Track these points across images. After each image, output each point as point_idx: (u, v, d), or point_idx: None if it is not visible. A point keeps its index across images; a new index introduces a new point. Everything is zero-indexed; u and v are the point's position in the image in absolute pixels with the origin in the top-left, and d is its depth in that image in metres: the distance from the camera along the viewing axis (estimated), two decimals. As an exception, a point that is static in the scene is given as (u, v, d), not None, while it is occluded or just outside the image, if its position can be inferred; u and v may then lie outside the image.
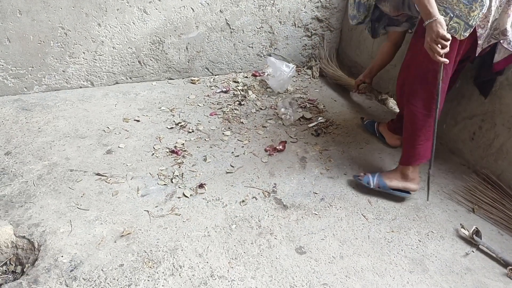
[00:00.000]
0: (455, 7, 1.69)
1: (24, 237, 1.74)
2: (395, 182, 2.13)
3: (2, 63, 2.63)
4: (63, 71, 2.83)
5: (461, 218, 2.07)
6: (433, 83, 1.84)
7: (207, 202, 2.04)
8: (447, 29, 1.67)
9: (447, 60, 1.70)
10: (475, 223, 2.01)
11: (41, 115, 2.60)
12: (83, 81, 2.95)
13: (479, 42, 1.81)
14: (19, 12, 2.51)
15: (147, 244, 1.77)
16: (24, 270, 1.64)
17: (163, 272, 1.66)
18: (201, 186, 2.13)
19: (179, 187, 2.11)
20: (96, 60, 2.89)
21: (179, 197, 2.05)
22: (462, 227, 1.96)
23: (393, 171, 2.18)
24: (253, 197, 2.11)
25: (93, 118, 2.62)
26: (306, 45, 3.55)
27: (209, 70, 3.33)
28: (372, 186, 2.15)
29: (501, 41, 1.82)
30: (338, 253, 1.82)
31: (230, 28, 3.19)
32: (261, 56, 3.44)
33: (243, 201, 2.07)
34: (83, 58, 2.85)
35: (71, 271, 1.61)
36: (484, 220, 2.07)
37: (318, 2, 3.34)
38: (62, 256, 1.66)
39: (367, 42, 3.25)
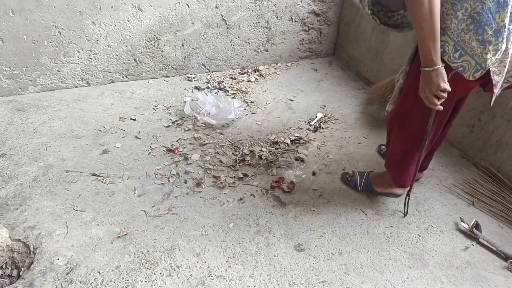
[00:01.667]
0: (466, 44, 1.41)
1: (19, 240, 1.72)
2: (381, 189, 2.08)
3: (-4, 64, 2.62)
4: (58, 70, 2.81)
5: (461, 212, 2.05)
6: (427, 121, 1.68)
7: (205, 201, 2.02)
8: (455, 65, 1.45)
9: (442, 108, 1.53)
10: (475, 217, 2.00)
11: (36, 115, 2.58)
12: (79, 81, 2.93)
13: (495, 90, 1.49)
14: (11, 11, 2.48)
15: (144, 244, 1.76)
16: (20, 273, 1.63)
17: (160, 273, 1.64)
18: (198, 184, 2.12)
19: (176, 186, 2.10)
20: (91, 59, 2.87)
21: (176, 196, 2.04)
22: (461, 221, 1.94)
23: (381, 176, 2.10)
24: (251, 194, 2.09)
25: (89, 118, 2.60)
26: (303, 39, 3.52)
27: (205, 67, 3.30)
28: (359, 189, 2.14)
29: None
30: (337, 250, 1.81)
31: (226, 24, 3.16)
32: (258, 52, 3.41)
33: (241, 199, 2.06)
34: (78, 57, 2.82)
35: (67, 274, 1.60)
36: (484, 213, 2.06)
37: (314, -5, 3.31)
38: (58, 259, 1.65)
39: (365, 36, 3.22)
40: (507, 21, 1.32)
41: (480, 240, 1.87)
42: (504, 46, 1.36)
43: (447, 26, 1.44)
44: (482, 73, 1.43)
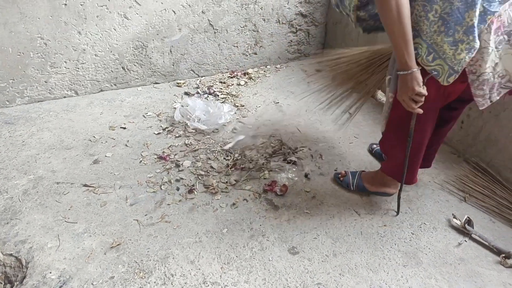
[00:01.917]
0: (439, 47, 1.43)
1: (11, 254, 1.71)
2: (374, 188, 2.10)
3: (-18, 77, 2.59)
4: (45, 81, 2.79)
5: (453, 208, 2.06)
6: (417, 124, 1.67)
7: (197, 207, 2.02)
8: (429, 68, 1.47)
9: (421, 111, 1.53)
10: (467, 212, 2.01)
11: (24, 128, 2.56)
12: (67, 91, 2.91)
13: (473, 90, 1.49)
14: (-4, 24, 2.47)
15: (138, 254, 1.75)
16: (13, 288, 1.62)
17: (154, 282, 1.63)
18: (190, 191, 2.11)
19: (169, 194, 2.09)
20: (78, 68, 2.86)
21: (168, 204, 2.03)
22: (454, 217, 1.95)
23: (373, 176, 2.10)
24: (244, 199, 2.09)
25: (78, 128, 2.58)
26: (291, 41, 3.53)
27: (194, 72, 3.30)
28: (352, 189, 2.14)
29: None
30: (331, 251, 1.81)
31: (213, 28, 3.16)
32: (247, 55, 3.41)
33: (233, 204, 2.05)
34: (65, 67, 2.81)
35: (60, 287, 1.58)
36: (475, 209, 2.07)
37: (300, -3, 3.32)
38: (50, 272, 1.63)
39: (353, 35, 3.23)
40: (475, 20, 1.34)
41: (473, 235, 1.89)
42: (477, 45, 1.36)
43: (420, 28, 1.45)
44: (456, 77, 1.43)
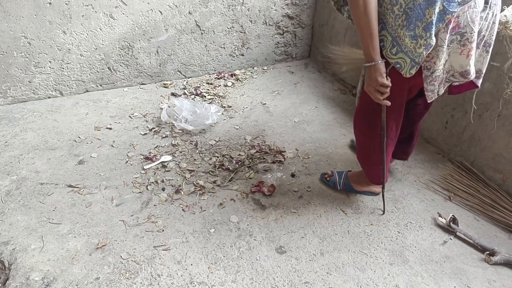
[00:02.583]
0: (401, 40, 1.49)
1: (-7, 256, 1.67)
2: (360, 186, 2.12)
3: (-36, 77, 2.54)
4: (29, 81, 2.75)
5: (438, 207, 2.08)
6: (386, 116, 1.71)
7: (184, 208, 2.00)
8: (392, 61, 1.52)
9: (388, 102, 1.59)
10: (451, 211, 2.03)
11: (7, 128, 2.51)
12: (51, 91, 2.87)
13: (425, 85, 1.60)
14: (-22, 23, 2.43)
15: (124, 254, 1.73)
16: (-5, 291, 1.58)
17: (141, 283, 1.62)
18: (177, 191, 2.10)
19: (155, 194, 2.07)
20: (63, 68, 2.82)
21: (155, 205, 2.01)
22: (439, 216, 1.98)
23: (359, 175, 2.12)
24: (231, 199, 2.08)
25: (63, 129, 2.54)
26: (278, 43, 3.54)
27: (181, 73, 3.28)
28: (339, 188, 2.16)
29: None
30: (319, 250, 1.81)
31: (200, 29, 3.15)
32: (234, 56, 3.41)
33: (221, 204, 2.04)
34: (50, 67, 2.77)
35: (44, 288, 1.56)
36: (460, 207, 2.10)
37: (287, -1, 3.34)
38: (34, 274, 1.60)
39: (339, 37, 3.26)
40: (434, 18, 1.40)
41: (458, 233, 1.91)
42: (433, 42, 1.43)
43: (387, 21, 1.52)
44: (417, 68, 1.50)
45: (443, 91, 1.64)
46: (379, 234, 1.91)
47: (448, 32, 1.45)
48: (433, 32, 1.42)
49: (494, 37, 1.57)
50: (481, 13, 1.45)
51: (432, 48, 1.45)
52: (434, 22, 1.41)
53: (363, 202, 2.10)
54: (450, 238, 1.90)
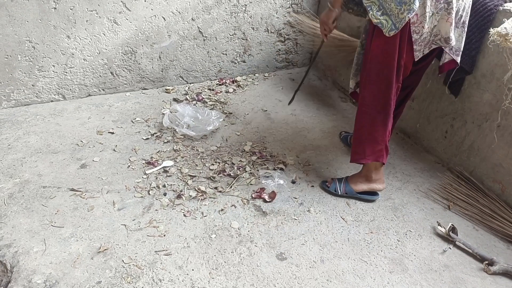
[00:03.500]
0: (387, 5, 1.72)
1: (-5, 259, 1.68)
2: (360, 186, 2.16)
3: (-32, 80, 2.56)
4: (32, 85, 2.77)
5: (438, 216, 2.10)
6: (387, 79, 1.87)
7: (186, 213, 2.01)
8: (376, 21, 1.75)
9: (326, 39, 2.17)
10: (451, 220, 2.05)
11: (10, 131, 2.52)
12: (54, 95, 2.88)
13: (415, 47, 1.81)
14: (-17, 26, 2.44)
15: (125, 258, 1.74)
16: (-3, 293, 1.59)
17: (142, 287, 1.62)
18: (179, 196, 2.11)
19: (157, 199, 2.08)
20: (67, 72, 2.84)
21: (156, 209, 2.02)
22: (438, 225, 1.99)
23: (357, 175, 2.18)
24: (232, 205, 2.09)
25: (65, 132, 2.56)
26: (280, 50, 3.57)
27: (183, 79, 3.31)
28: (340, 193, 2.18)
29: (445, 47, 1.87)
30: (319, 257, 1.83)
31: (203, 36, 3.18)
32: (235, 63, 3.44)
33: (222, 209, 2.06)
34: (53, 71, 2.78)
35: (46, 291, 1.56)
36: (459, 217, 2.12)
37: (289, 7, 3.37)
38: (36, 277, 1.61)
39: (340, 46, 3.29)
40: None
41: (457, 243, 1.93)
42: (415, 6, 1.65)
43: None
44: (396, 32, 1.73)
45: (427, 51, 1.86)
46: (379, 242, 1.93)
47: (435, 0, 1.69)
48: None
49: (468, 18, 1.83)
50: None
51: (414, 12, 1.67)
52: None
53: (363, 210, 2.12)
54: (450, 247, 1.91)
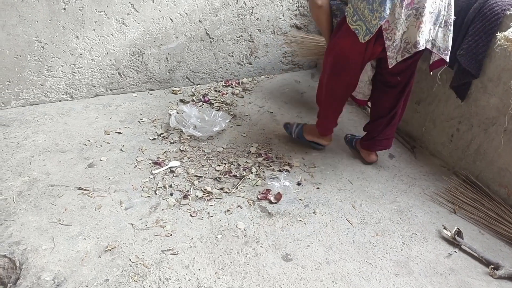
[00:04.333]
0: (361, 12, 1.85)
1: (4, 256, 1.69)
2: (310, 137, 2.53)
3: (-22, 79, 2.59)
4: (41, 85, 2.79)
5: (443, 219, 2.11)
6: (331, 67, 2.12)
7: (192, 213, 2.03)
8: (353, 27, 1.89)
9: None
10: (456, 224, 2.05)
11: (19, 130, 2.55)
12: (62, 94, 2.91)
13: (388, 53, 1.93)
14: (-6, 26, 2.47)
15: (133, 257, 1.75)
16: (6, 290, 1.60)
17: (149, 286, 1.64)
18: (185, 197, 2.12)
19: (163, 199, 2.10)
20: (75, 73, 2.86)
21: (163, 209, 2.04)
22: (444, 228, 2.00)
23: (313, 127, 2.51)
24: (238, 206, 2.10)
25: (73, 132, 2.58)
26: (286, 52, 3.58)
27: (190, 80, 3.33)
28: (293, 136, 2.59)
29: (435, 51, 1.97)
30: (324, 259, 1.84)
31: (209, 37, 3.20)
32: (242, 65, 3.45)
33: (228, 210, 2.07)
34: (62, 71, 2.81)
35: (54, 289, 1.58)
36: (465, 221, 2.12)
37: (296, 10, 3.38)
38: (45, 274, 1.63)
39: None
40: None
41: (463, 247, 1.93)
42: (386, 15, 1.78)
43: None
44: (370, 37, 1.86)
45: (401, 59, 1.97)
46: (384, 245, 1.94)
47: (404, 7, 1.79)
48: (387, 7, 1.77)
49: (452, 17, 1.91)
50: None
51: (385, 20, 1.80)
52: None
53: (368, 212, 2.12)
54: (455, 251, 1.92)
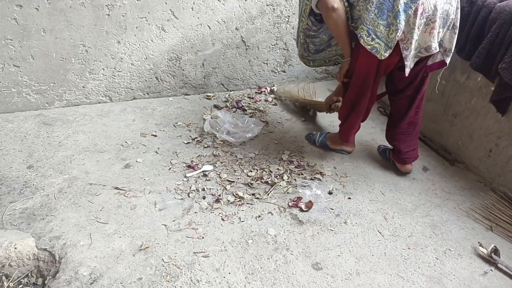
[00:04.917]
0: (376, 29, 1.88)
1: (45, 249, 1.77)
2: (334, 145, 2.60)
3: (26, 80, 2.72)
4: (83, 86, 2.91)
5: (479, 236, 2.05)
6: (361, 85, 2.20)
7: (223, 217, 2.06)
8: (369, 47, 1.92)
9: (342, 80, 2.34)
10: (493, 242, 2.00)
11: (61, 129, 2.66)
12: (102, 97, 3.02)
13: (406, 63, 1.97)
14: (43, 30, 2.60)
15: (165, 258, 1.79)
16: (45, 282, 1.67)
17: (181, 286, 1.67)
18: (217, 200, 2.16)
19: (196, 202, 2.14)
20: (115, 76, 2.96)
21: (196, 212, 2.08)
22: (480, 245, 1.95)
23: (335, 135, 2.59)
24: (269, 212, 2.12)
25: (111, 133, 2.67)
26: (320, 61, 3.58)
27: (224, 86, 3.38)
28: (317, 144, 2.66)
29: (442, 54, 2.07)
30: (355, 270, 1.82)
31: (245, 45, 3.24)
32: (276, 72, 3.48)
33: (259, 216, 2.09)
34: (103, 74, 2.92)
35: (91, 284, 1.64)
36: (502, 239, 2.06)
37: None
38: (82, 269, 1.69)
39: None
40: (401, 8, 1.81)
41: (499, 265, 1.87)
42: (402, 26, 1.83)
43: (362, 18, 1.92)
44: (390, 52, 1.91)
45: (412, 64, 2.02)
46: (417, 259, 1.90)
47: (418, 17, 1.84)
48: (401, 19, 1.82)
49: (459, 21, 1.97)
50: None
51: (401, 31, 1.85)
52: (401, 10, 1.81)
53: (401, 225, 2.09)
54: (491, 270, 1.86)
